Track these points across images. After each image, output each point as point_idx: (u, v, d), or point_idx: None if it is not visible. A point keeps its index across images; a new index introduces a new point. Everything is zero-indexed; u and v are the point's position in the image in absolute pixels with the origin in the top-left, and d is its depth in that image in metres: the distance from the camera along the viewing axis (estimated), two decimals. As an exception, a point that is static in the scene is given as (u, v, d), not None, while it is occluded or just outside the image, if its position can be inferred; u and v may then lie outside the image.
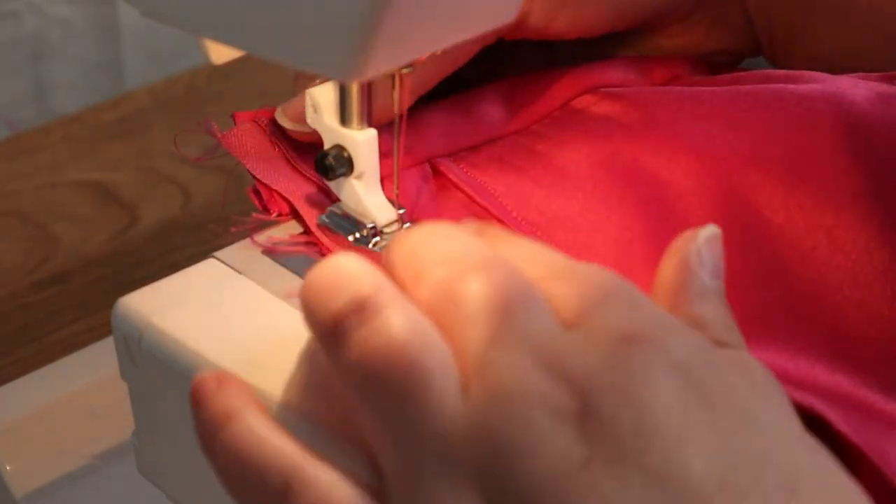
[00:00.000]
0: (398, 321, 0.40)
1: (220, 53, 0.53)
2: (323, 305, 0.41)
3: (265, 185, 0.54)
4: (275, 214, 0.54)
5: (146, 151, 0.94)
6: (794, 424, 0.40)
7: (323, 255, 0.52)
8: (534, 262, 0.43)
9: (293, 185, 0.54)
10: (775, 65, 0.60)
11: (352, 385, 0.40)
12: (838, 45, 0.57)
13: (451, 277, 0.41)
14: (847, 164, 0.50)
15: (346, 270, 0.41)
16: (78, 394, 0.68)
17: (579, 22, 0.57)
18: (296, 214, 0.54)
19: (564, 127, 0.57)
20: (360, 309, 0.40)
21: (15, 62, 1.10)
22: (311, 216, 0.53)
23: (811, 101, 0.52)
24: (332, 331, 0.40)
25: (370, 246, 0.51)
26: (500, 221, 0.53)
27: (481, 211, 0.54)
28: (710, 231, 0.44)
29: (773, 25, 0.59)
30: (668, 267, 0.44)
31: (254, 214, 0.53)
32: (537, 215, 0.53)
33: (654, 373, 0.38)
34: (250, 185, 0.55)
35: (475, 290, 0.40)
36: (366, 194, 0.51)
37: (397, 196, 0.52)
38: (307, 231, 0.53)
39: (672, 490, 0.37)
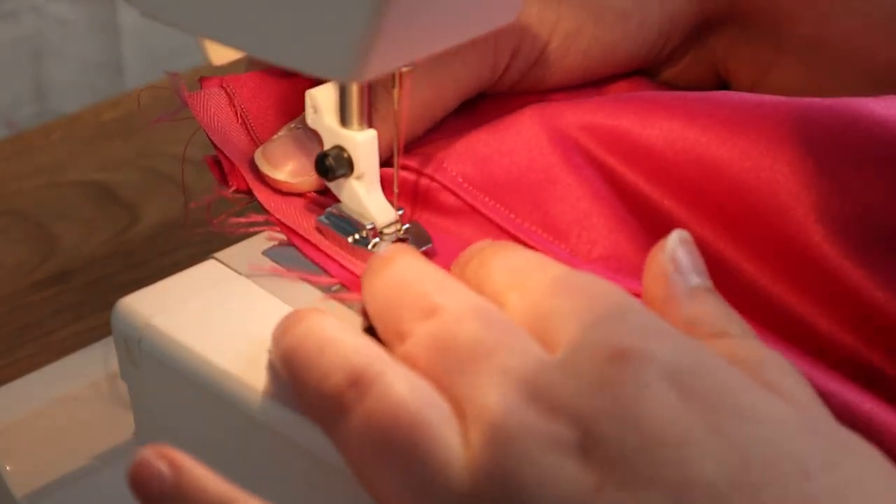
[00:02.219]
0: (396, 386, 0.41)
1: (220, 53, 0.53)
2: (314, 382, 0.42)
3: (227, 158, 0.54)
4: (232, 189, 0.54)
5: (146, 151, 0.93)
6: (814, 406, 0.40)
7: (290, 241, 0.52)
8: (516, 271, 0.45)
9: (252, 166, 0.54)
10: None
11: (360, 457, 0.41)
12: (807, 82, 0.57)
13: (434, 329, 0.43)
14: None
15: (331, 340, 0.43)
16: (78, 394, 0.68)
17: (547, 82, 0.57)
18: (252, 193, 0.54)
19: None
20: (358, 382, 0.41)
21: (15, 62, 1.10)
22: (264, 193, 0.53)
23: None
24: (329, 407, 0.42)
25: (369, 247, 0.51)
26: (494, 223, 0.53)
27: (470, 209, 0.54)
28: (677, 235, 0.44)
29: (739, 69, 0.59)
30: (649, 280, 0.44)
31: (218, 191, 0.54)
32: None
33: (645, 386, 0.39)
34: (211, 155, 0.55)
35: (460, 335, 0.42)
36: (366, 195, 0.51)
37: (397, 196, 0.52)
38: (264, 211, 0.53)
39: (689, 497, 0.37)
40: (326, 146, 0.51)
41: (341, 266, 0.51)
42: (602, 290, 0.43)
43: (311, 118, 0.52)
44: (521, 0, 0.48)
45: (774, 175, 0.49)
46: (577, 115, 0.53)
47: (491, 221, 0.53)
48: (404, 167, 0.53)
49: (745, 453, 0.38)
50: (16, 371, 0.73)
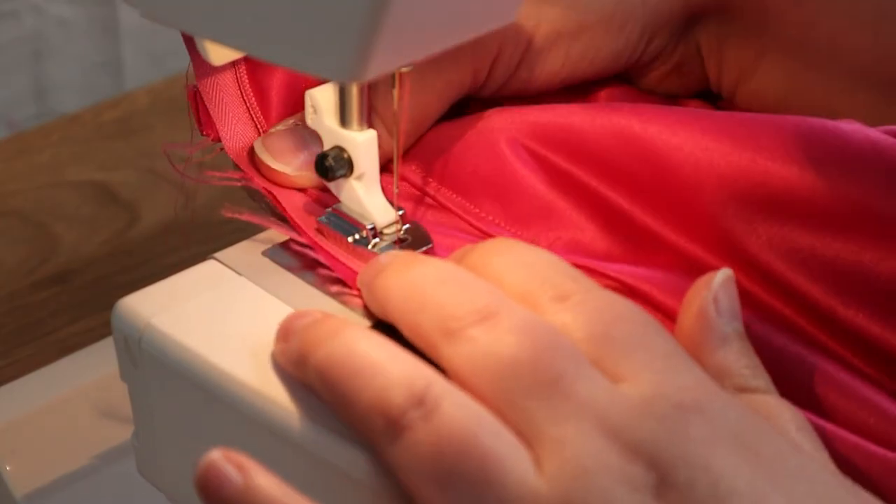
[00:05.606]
0: (460, 411, 0.41)
1: (220, 53, 0.53)
2: (369, 399, 0.42)
3: (205, 107, 0.54)
4: (210, 137, 0.54)
5: (146, 151, 0.94)
6: (830, 465, 0.43)
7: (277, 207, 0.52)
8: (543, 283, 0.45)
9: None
10: (720, 98, 0.61)
11: (421, 477, 0.41)
12: (791, 80, 0.57)
13: (492, 342, 0.43)
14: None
15: (381, 356, 0.43)
16: (77, 394, 0.68)
17: (531, 85, 0.57)
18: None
19: None
20: (420, 403, 0.41)
21: (15, 62, 1.10)
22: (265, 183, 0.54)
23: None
24: (386, 425, 0.42)
25: (369, 247, 0.51)
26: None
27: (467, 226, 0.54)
28: (724, 274, 0.45)
29: (723, 67, 0.59)
30: (688, 316, 0.45)
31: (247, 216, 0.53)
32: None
33: (716, 439, 0.41)
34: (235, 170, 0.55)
35: (523, 360, 0.42)
36: (366, 195, 0.51)
37: (397, 196, 0.52)
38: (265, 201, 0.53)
39: None
40: (326, 146, 0.51)
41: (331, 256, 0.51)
42: (655, 328, 0.44)
43: (310, 118, 0.52)
44: (520, 0, 0.48)
45: (711, 161, 0.50)
46: (528, 114, 0.54)
47: (454, 213, 0.54)
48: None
49: None
50: (16, 371, 0.73)
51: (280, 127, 0.54)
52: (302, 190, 0.54)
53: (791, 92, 0.57)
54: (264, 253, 0.53)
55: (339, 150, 0.51)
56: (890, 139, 0.49)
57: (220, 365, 0.47)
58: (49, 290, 0.83)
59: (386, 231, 0.51)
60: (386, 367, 0.42)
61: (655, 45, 0.58)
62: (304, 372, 0.45)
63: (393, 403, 0.42)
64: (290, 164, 0.53)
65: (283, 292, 0.50)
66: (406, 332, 0.45)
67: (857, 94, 0.56)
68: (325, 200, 0.53)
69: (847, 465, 0.45)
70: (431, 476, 0.41)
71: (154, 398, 0.51)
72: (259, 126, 0.55)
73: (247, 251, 0.53)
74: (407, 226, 0.52)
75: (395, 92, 0.50)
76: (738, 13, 0.57)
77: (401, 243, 0.51)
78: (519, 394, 0.42)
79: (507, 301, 0.44)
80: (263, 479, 0.41)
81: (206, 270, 0.52)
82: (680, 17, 0.58)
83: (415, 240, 0.52)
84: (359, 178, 0.51)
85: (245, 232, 0.53)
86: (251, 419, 0.46)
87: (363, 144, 0.50)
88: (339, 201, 0.52)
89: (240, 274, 0.51)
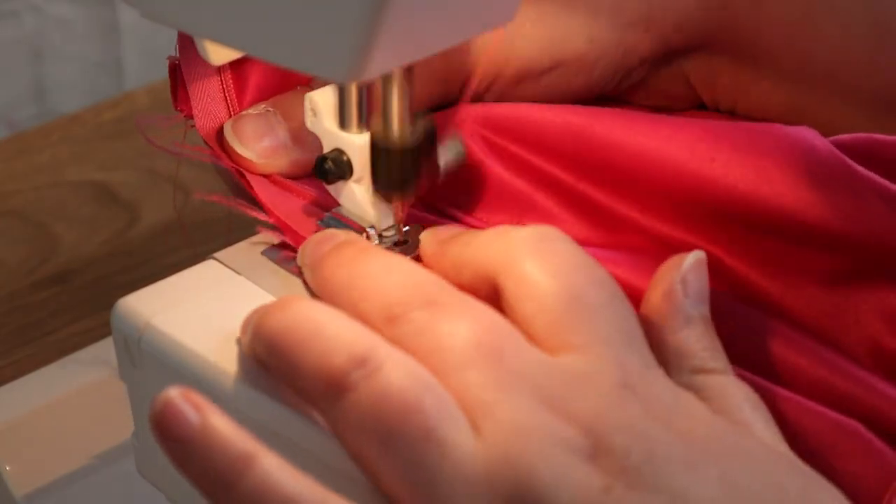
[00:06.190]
0: (402, 373, 0.42)
1: (220, 53, 0.53)
2: (312, 362, 0.43)
3: (183, 83, 0.55)
4: (182, 113, 0.55)
5: (146, 151, 0.93)
6: (780, 443, 0.43)
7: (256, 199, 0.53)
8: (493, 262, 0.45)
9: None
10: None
11: (362, 437, 0.42)
12: (789, 105, 0.57)
13: (433, 322, 0.43)
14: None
15: (327, 322, 0.43)
16: (78, 394, 0.68)
17: (503, 101, 0.57)
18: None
19: None
20: (362, 364, 0.42)
21: (15, 62, 1.10)
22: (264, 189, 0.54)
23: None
24: (329, 386, 0.42)
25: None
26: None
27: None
28: (695, 257, 0.46)
29: (718, 92, 0.59)
30: (655, 294, 0.46)
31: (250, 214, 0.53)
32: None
33: (653, 416, 0.42)
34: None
35: (463, 335, 0.43)
36: (365, 198, 0.51)
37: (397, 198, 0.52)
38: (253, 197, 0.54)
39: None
40: (326, 149, 0.51)
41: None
42: (621, 299, 0.45)
43: (310, 121, 0.52)
44: (519, 0, 0.48)
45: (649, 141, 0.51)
46: (492, 109, 0.54)
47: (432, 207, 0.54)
48: None
49: (739, 480, 0.41)
50: (16, 371, 0.73)
51: (251, 111, 0.55)
52: (267, 175, 0.54)
53: (791, 109, 0.57)
54: (264, 253, 0.53)
55: (339, 152, 0.51)
56: (832, 149, 0.50)
57: (220, 365, 0.47)
58: (49, 290, 0.83)
59: (385, 233, 0.51)
60: (330, 332, 0.43)
61: (634, 77, 0.58)
62: (255, 349, 0.45)
63: (335, 364, 0.42)
64: (255, 151, 0.54)
65: (282, 292, 0.50)
66: None
67: (856, 111, 0.56)
68: (323, 203, 0.53)
69: (804, 430, 0.46)
70: (373, 435, 0.41)
71: (153, 398, 0.51)
72: (231, 107, 0.55)
73: (246, 251, 0.53)
74: (407, 228, 0.52)
75: (395, 91, 0.50)
76: (727, 47, 0.57)
77: (401, 245, 0.52)
78: (458, 366, 0.42)
79: (450, 289, 0.45)
80: (220, 421, 0.41)
81: (206, 270, 0.52)
82: (660, 54, 0.58)
83: (414, 242, 0.52)
84: (358, 180, 0.51)
85: (245, 232, 0.53)
86: (250, 419, 0.46)
87: (362, 147, 0.50)
88: (338, 204, 0.52)
89: (239, 274, 0.52)
